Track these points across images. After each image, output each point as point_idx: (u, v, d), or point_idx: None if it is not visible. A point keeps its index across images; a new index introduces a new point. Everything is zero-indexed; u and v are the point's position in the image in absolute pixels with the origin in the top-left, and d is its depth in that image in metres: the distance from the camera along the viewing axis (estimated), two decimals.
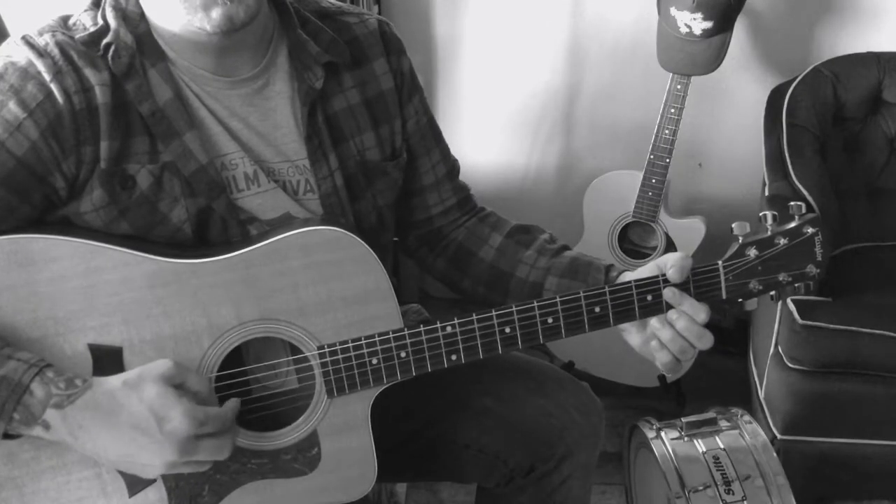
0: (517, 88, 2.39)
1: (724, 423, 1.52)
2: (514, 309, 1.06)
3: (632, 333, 1.12)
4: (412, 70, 1.23)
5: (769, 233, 1.09)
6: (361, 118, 1.16)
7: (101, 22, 1.03)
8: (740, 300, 1.10)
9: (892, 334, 1.72)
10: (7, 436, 0.94)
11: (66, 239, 0.99)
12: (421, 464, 1.29)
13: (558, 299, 1.06)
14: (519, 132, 2.46)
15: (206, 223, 1.07)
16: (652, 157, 2.06)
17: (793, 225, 1.09)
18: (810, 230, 1.09)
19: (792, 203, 1.10)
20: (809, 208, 1.10)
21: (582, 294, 1.06)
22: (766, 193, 2.04)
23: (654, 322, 1.08)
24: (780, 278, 1.10)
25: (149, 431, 0.92)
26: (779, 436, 1.84)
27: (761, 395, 1.94)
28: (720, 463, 1.44)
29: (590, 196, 2.19)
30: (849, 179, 2.12)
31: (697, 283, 1.08)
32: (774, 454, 1.46)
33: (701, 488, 1.40)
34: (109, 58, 1.01)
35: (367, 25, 1.19)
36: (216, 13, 0.98)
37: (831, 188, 2.05)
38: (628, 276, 1.13)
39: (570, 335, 1.09)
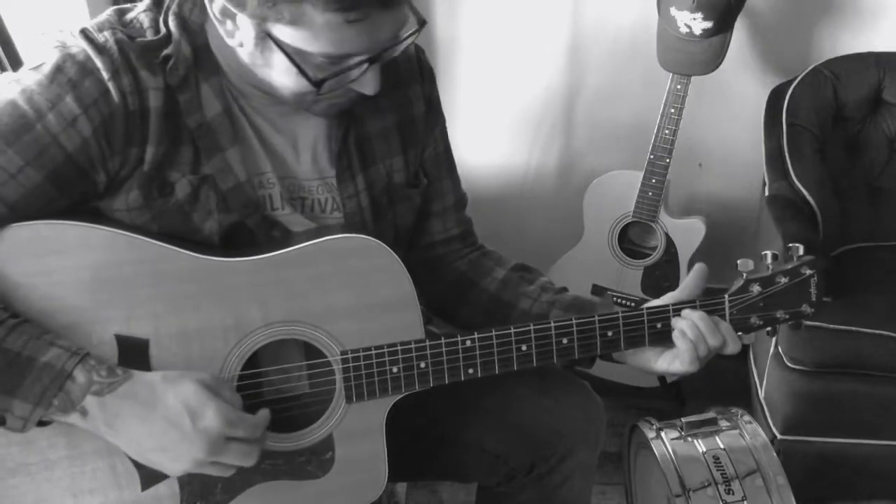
0: (517, 89, 2.39)
1: (724, 423, 1.52)
2: (531, 327, 1.09)
3: (646, 354, 1.16)
4: (439, 99, 1.26)
5: (770, 271, 1.14)
6: (393, 141, 1.18)
7: (163, 29, 1.03)
8: (740, 333, 1.15)
9: (892, 334, 1.73)
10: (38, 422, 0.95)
11: (103, 228, 0.99)
12: (422, 463, 1.29)
13: (574, 321, 1.10)
14: (519, 132, 2.46)
15: (234, 235, 1.08)
16: (652, 157, 2.06)
17: (792, 265, 1.15)
18: (808, 272, 1.15)
19: (790, 245, 1.16)
20: (807, 250, 1.19)
21: (597, 317, 1.10)
22: (766, 193, 2.04)
23: (677, 318, 1.13)
24: (778, 315, 1.16)
25: (182, 426, 0.94)
26: (779, 436, 1.84)
27: (761, 395, 1.94)
28: (720, 463, 1.44)
29: (590, 196, 2.19)
30: (849, 179, 2.12)
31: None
32: (774, 454, 1.46)
33: (701, 487, 1.40)
34: (167, 69, 1.01)
35: (406, 50, 1.19)
36: (318, 108, 1.06)
37: (831, 188, 2.05)
38: None
39: (582, 356, 1.12)
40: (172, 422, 0.94)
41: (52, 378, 0.92)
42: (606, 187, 2.16)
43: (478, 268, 1.30)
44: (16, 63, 1.46)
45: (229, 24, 0.97)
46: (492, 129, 2.45)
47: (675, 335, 1.12)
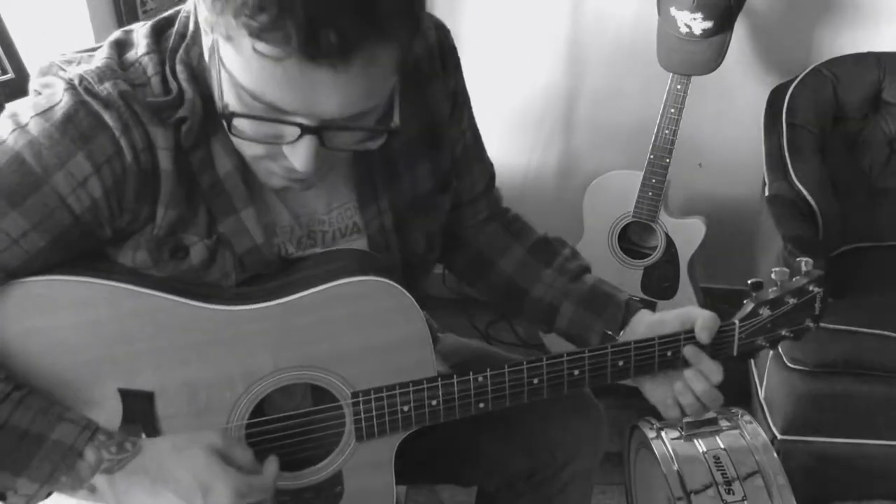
0: (517, 88, 2.39)
1: (724, 423, 1.51)
2: (544, 362, 1.08)
3: (646, 385, 1.16)
4: (464, 84, 1.17)
5: (780, 292, 1.13)
6: (416, 150, 1.09)
7: (171, 83, 0.91)
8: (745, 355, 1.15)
9: (892, 334, 1.73)
10: None
11: (100, 282, 0.95)
12: (421, 468, 1.28)
13: (586, 354, 1.09)
14: (519, 132, 2.46)
15: (250, 282, 1.03)
16: (652, 157, 2.06)
17: (801, 284, 1.13)
18: (815, 289, 1.14)
19: (798, 259, 1.14)
20: (809, 253, 1.18)
21: (609, 348, 1.09)
22: (766, 193, 2.04)
23: (678, 386, 1.12)
24: (783, 333, 1.16)
25: (193, 502, 0.90)
26: (779, 436, 1.83)
27: (761, 395, 1.94)
28: (721, 463, 1.44)
29: (590, 196, 2.18)
30: (849, 179, 2.12)
31: (714, 340, 1.11)
32: (775, 454, 1.45)
33: (701, 488, 1.40)
34: (183, 131, 0.91)
35: (427, 39, 1.09)
36: (276, 182, 0.95)
37: (831, 188, 2.05)
38: (647, 318, 1.15)
39: (592, 386, 1.12)
40: (184, 497, 0.91)
41: (61, 456, 0.89)
42: (606, 187, 2.16)
43: (496, 245, 1.24)
44: (15, 63, 1.45)
45: (209, 36, 0.86)
46: (492, 129, 2.44)
47: (669, 405, 1.13)
